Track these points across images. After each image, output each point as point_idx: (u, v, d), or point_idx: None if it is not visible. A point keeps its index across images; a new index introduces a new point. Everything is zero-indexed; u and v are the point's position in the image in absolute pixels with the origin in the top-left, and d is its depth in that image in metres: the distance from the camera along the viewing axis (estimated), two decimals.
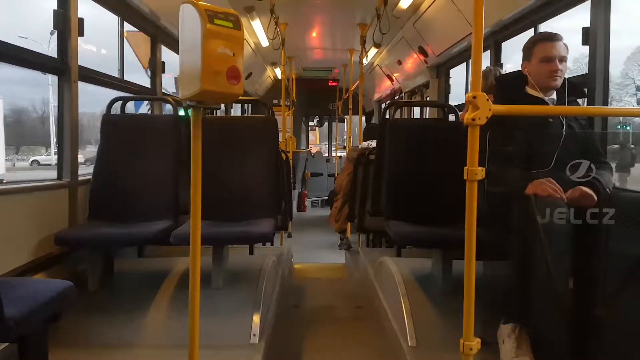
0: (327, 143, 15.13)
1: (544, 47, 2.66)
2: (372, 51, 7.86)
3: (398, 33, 6.86)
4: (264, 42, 7.48)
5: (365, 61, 7.82)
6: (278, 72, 10.40)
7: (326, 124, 14.75)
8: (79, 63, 3.51)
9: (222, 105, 2.21)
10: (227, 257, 3.27)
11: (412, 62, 7.47)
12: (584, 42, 3.35)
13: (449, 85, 6.85)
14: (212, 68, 1.77)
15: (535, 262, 2.34)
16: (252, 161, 3.79)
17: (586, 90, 3.23)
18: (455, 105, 4.57)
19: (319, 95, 12.65)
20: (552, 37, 2.67)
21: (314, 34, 8.23)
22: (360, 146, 6.18)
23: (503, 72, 3.81)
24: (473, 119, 1.70)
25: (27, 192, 3.08)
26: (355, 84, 8.65)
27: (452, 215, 3.14)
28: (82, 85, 3.58)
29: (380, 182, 3.92)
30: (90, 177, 3.62)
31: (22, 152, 27.74)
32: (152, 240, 3.22)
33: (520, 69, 2.83)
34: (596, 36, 3.27)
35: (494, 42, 4.84)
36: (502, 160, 2.48)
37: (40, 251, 3.11)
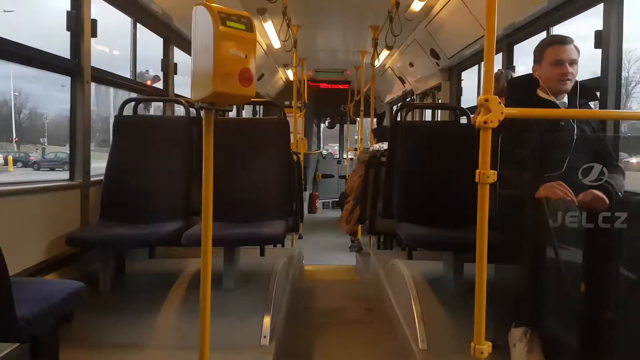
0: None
1: (554, 50, 2.64)
2: (384, 53, 7.85)
3: (410, 35, 6.85)
4: (276, 44, 7.49)
5: (377, 63, 7.81)
6: (290, 73, 10.41)
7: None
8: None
9: (234, 107, 2.22)
10: (238, 258, 3.27)
11: (423, 64, 7.45)
12: (597, 46, 3.33)
13: (461, 87, 6.83)
14: (224, 70, 1.78)
15: (547, 265, 2.33)
16: (264, 163, 3.79)
17: (598, 93, 3.21)
18: (467, 108, 4.56)
19: (330, 97, 12.64)
20: (563, 40, 2.65)
21: (326, 36, 8.23)
22: (371, 148, 6.19)
23: (515, 75, 3.79)
24: (485, 122, 1.69)
25: (40, 193, 3.10)
26: (367, 86, 8.65)
27: (463, 218, 3.15)
28: None
29: (391, 184, 3.91)
30: (102, 177, 3.64)
31: None
32: (164, 241, 3.23)
33: (531, 72, 2.82)
34: (609, 39, 3.25)
35: (506, 44, 4.81)
36: (514, 163, 2.47)
37: (52, 251, 3.13)
